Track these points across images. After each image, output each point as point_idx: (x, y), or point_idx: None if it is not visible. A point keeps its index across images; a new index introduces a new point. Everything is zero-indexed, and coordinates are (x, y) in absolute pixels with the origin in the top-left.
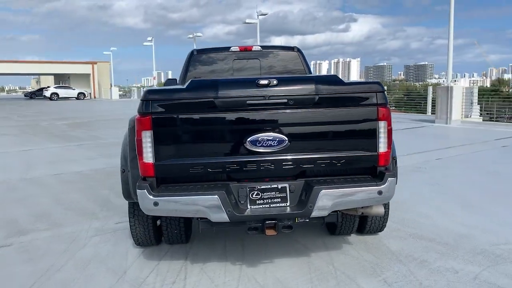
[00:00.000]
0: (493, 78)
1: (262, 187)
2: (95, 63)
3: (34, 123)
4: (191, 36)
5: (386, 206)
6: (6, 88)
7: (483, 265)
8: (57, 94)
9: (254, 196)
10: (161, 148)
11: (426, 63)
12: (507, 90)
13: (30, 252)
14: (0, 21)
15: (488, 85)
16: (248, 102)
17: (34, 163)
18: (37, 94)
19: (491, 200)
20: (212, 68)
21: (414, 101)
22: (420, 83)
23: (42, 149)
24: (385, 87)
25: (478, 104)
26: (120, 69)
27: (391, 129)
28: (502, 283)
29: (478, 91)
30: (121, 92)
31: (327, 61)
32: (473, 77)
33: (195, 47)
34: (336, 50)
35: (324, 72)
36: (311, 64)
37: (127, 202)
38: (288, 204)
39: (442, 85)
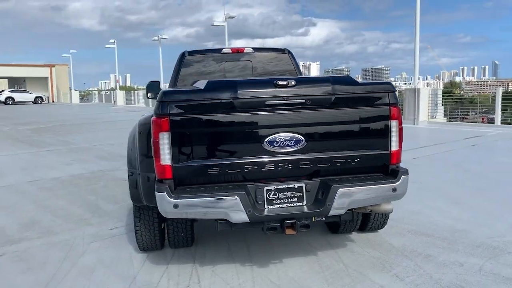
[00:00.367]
0: (445, 80)
1: (279, 187)
2: (53, 66)
3: None
4: (156, 38)
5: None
6: None
7: (484, 257)
8: (12, 98)
9: (271, 196)
10: (179, 149)
11: (383, 66)
12: (459, 92)
13: (26, 261)
14: None
15: (441, 88)
16: (266, 102)
17: (6, 170)
18: None
19: (475, 196)
20: (204, 69)
21: None
22: None
23: (10, 155)
24: None
25: (442, 105)
26: (76, 72)
27: (401, 128)
28: (506, 273)
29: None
30: (81, 96)
31: None
32: (427, 79)
33: (160, 50)
34: (296, 53)
35: None
36: None
37: (118, 207)
38: (304, 203)
39: (409, 87)
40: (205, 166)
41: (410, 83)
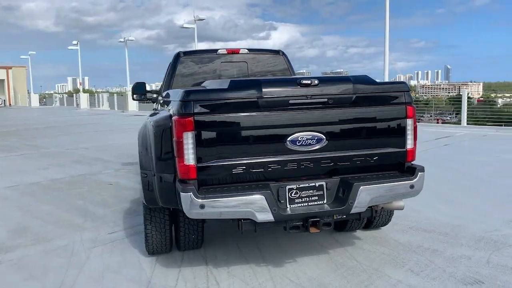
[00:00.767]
0: None
1: (301, 185)
2: (10, 68)
3: None
4: (122, 40)
5: None
6: None
7: (488, 250)
8: None
9: (293, 195)
10: (203, 149)
11: (342, 70)
12: (414, 95)
13: (27, 268)
14: None
15: None
16: (290, 101)
17: None
18: None
19: (464, 194)
20: (200, 70)
21: None
22: None
23: None
24: None
25: None
26: (32, 74)
27: (416, 126)
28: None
29: None
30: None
31: None
32: None
33: (126, 52)
34: None
35: None
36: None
37: (110, 211)
38: (325, 201)
39: None
40: (229, 165)
41: None
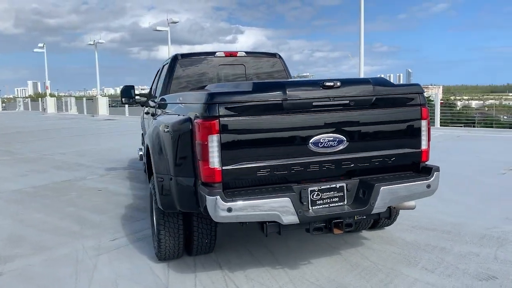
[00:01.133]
0: None
1: (322, 187)
2: None
3: None
4: (91, 42)
5: None
6: None
7: (492, 246)
8: None
9: (314, 196)
10: (228, 152)
11: (308, 74)
12: None
13: (33, 279)
14: None
15: None
16: (314, 103)
17: None
18: None
19: (455, 193)
20: (198, 72)
21: None
22: None
23: None
24: None
25: None
26: None
27: (430, 127)
28: None
29: None
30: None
31: None
32: None
33: (96, 55)
34: None
35: None
36: None
37: (107, 218)
38: (345, 202)
39: None
40: (254, 168)
41: None
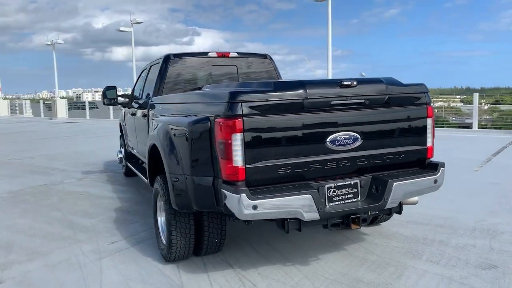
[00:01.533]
0: None
1: (338, 184)
2: None
3: None
4: (49, 43)
5: None
6: None
7: (485, 238)
8: None
9: (331, 193)
10: (250, 150)
11: None
12: None
13: (38, 285)
14: None
15: None
16: (332, 102)
17: None
18: None
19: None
20: (191, 73)
21: None
22: None
23: None
24: None
25: None
26: None
27: (434, 125)
28: None
29: None
30: None
31: None
32: None
33: (54, 56)
34: None
35: None
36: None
37: (97, 221)
38: (359, 199)
39: None
40: (275, 166)
41: None
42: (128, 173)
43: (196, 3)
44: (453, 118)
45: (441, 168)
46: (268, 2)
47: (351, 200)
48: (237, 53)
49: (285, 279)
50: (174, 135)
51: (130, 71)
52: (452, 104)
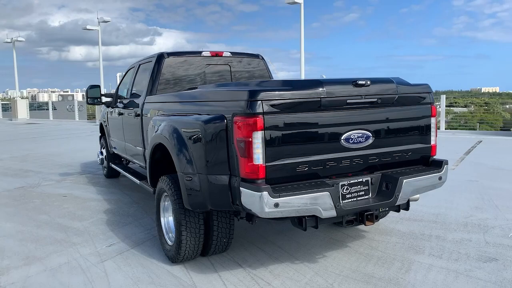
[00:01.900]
0: None
1: (351, 181)
2: None
3: None
4: (8, 40)
5: None
6: None
7: (479, 233)
8: None
9: (344, 190)
10: (270, 148)
11: None
12: None
13: None
14: None
15: None
16: (348, 101)
17: None
18: None
19: None
20: (184, 72)
21: None
22: None
23: None
24: None
25: None
26: None
27: (436, 124)
28: (507, 242)
29: None
30: None
31: None
32: None
33: (14, 54)
34: None
35: None
36: (117, 76)
37: (89, 224)
38: (370, 196)
39: None
40: (294, 164)
41: None
42: (110, 175)
43: (157, 3)
44: None
45: (445, 166)
46: (231, 4)
47: (363, 197)
48: (230, 52)
49: (298, 277)
50: (186, 134)
51: (90, 71)
52: None
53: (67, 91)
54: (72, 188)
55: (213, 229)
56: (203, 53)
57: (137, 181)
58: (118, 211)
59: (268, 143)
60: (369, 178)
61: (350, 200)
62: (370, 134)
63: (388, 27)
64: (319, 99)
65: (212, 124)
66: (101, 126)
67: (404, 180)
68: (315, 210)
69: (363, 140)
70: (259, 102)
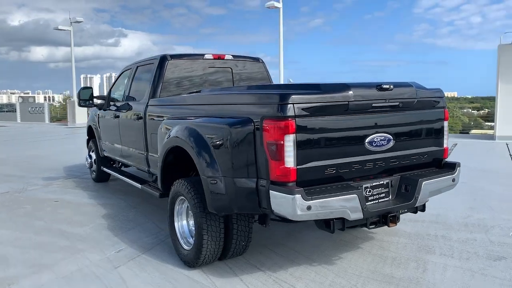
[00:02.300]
0: None
1: (373, 184)
2: None
3: None
4: None
5: None
6: None
7: (480, 232)
8: None
9: (367, 193)
10: (301, 151)
11: None
12: None
13: None
14: None
15: None
16: (373, 104)
17: None
18: None
19: None
20: (187, 74)
21: None
22: None
23: None
24: None
25: None
26: None
27: (447, 128)
28: (511, 242)
29: None
30: None
31: (98, 75)
32: None
33: None
34: (107, 64)
35: (96, 87)
36: (81, 78)
37: (90, 229)
38: (390, 198)
39: None
40: (323, 167)
41: None
42: (100, 179)
43: (122, 4)
44: None
45: (458, 168)
46: (198, 6)
47: (383, 200)
48: (232, 55)
49: (320, 279)
50: (209, 137)
51: (52, 72)
52: None
53: (28, 93)
54: (61, 192)
55: (233, 233)
56: (205, 56)
57: (138, 185)
58: (117, 216)
59: (299, 146)
60: (389, 181)
61: (372, 202)
62: (391, 137)
63: (352, 33)
64: (347, 102)
65: (239, 127)
66: (89, 128)
67: (424, 182)
68: (343, 212)
69: (385, 143)
70: (290, 105)
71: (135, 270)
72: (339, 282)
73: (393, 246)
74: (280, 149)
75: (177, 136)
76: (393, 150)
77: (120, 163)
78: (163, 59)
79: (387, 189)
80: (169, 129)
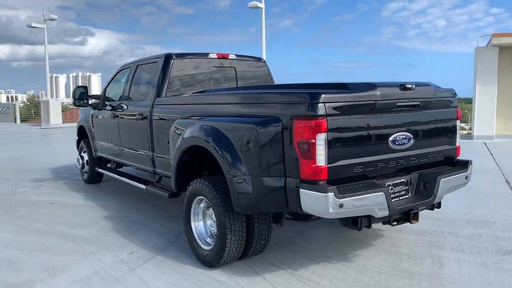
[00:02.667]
0: None
1: (395, 181)
2: None
3: None
4: None
5: None
6: None
7: (484, 228)
8: None
9: (390, 190)
10: (331, 150)
11: None
12: None
13: None
14: None
15: None
16: (397, 104)
17: None
18: None
19: None
20: (192, 73)
21: None
22: None
23: None
24: None
25: None
26: None
27: (459, 126)
28: None
29: None
30: None
31: (64, 75)
32: None
33: None
34: (73, 63)
35: (62, 86)
36: (47, 77)
37: (95, 231)
38: (409, 195)
39: None
40: (352, 165)
41: None
42: (92, 180)
43: (89, 2)
44: None
45: (470, 166)
46: (168, 5)
47: (404, 197)
48: (235, 55)
49: (342, 276)
50: (234, 136)
51: (15, 71)
52: None
53: None
54: (54, 194)
55: (254, 232)
56: (210, 55)
57: (142, 186)
58: (120, 217)
59: (329, 145)
60: (409, 178)
61: (394, 200)
62: (411, 135)
63: (322, 34)
64: (374, 101)
65: (267, 126)
66: (81, 129)
67: (442, 180)
68: (371, 210)
69: (406, 142)
70: (321, 104)
71: (154, 271)
72: (362, 278)
73: (404, 243)
74: (311, 148)
75: (196, 136)
76: (413, 148)
77: (115, 164)
78: (168, 58)
79: (407, 187)
80: (183, 129)
